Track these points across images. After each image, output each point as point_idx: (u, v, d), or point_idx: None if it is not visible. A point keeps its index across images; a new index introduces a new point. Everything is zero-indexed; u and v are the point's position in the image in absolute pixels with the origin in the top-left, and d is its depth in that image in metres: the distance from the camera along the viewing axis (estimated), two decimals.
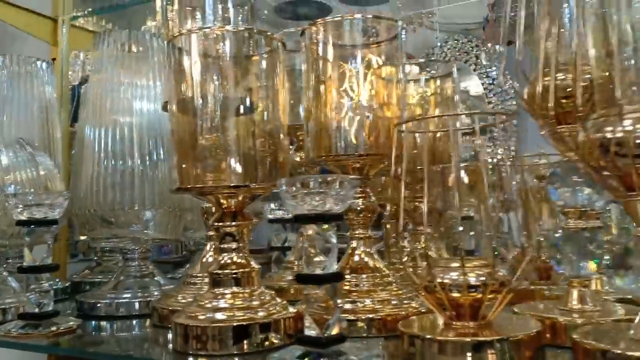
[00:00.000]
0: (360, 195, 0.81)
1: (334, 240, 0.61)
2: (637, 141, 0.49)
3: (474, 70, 2.25)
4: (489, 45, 3.49)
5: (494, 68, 3.49)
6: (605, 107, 0.53)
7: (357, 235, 0.81)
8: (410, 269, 0.63)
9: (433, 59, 2.45)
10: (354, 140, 0.77)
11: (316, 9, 1.72)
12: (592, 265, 0.67)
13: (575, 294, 0.68)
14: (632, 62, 0.54)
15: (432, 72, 1.11)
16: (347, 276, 0.79)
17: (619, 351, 0.50)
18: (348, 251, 0.81)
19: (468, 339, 0.56)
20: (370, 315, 0.73)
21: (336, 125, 0.78)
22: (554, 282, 0.97)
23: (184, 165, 0.69)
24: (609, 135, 0.51)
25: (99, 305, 0.93)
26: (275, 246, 1.32)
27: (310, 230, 0.61)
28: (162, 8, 0.88)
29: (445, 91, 1.01)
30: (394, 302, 0.76)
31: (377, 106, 0.80)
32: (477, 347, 0.55)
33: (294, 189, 0.60)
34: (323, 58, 0.80)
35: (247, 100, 0.71)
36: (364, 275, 0.79)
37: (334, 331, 0.60)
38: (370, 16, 0.78)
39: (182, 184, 0.70)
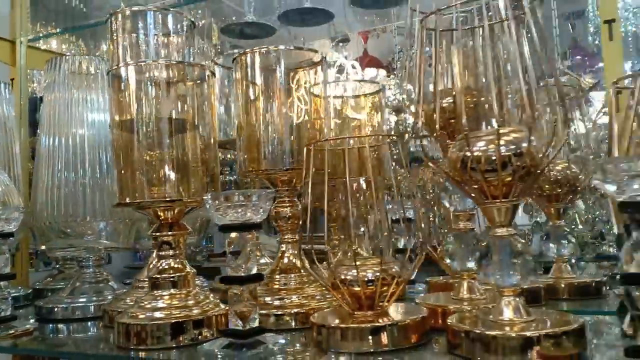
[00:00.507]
0: (288, 204, 0.91)
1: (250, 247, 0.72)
2: (492, 158, 0.61)
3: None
4: None
5: None
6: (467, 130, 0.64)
7: (286, 240, 0.92)
8: (322, 269, 0.73)
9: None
10: (281, 155, 0.88)
11: (259, 29, 1.82)
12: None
13: (465, 285, 0.80)
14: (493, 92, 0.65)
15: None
16: (277, 276, 0.89)
17: (477, 331, 0.61)
18: (278, 254, 0.91)
19: (363, 325, 0.67)
20: (296, 310, 0.84)
21: (264, 142, 0.88)
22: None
23: (123, 181, 0.79)
24: (467, 154, 0.62)
25: (56, 309, 1.01)
26: (235, 251, 1.41)
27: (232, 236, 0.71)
28: (110, 33, 0.96)
29: None
30: (317, 297, 0.87)
31: (303, 124, 0.90)
32: (370, 332, 0.66)
33: (217, 202, 0.70)
34: (252, 82, 0.90)
35: (180, 121, 0.80)
36: (292, 275, 0.89)
37: (255, 324, 0.70)
38: (293, 48, 0.88)
39: (121, 199, 0.79)
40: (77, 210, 1.06)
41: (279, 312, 0.83)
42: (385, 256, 0.71)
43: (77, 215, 1.05)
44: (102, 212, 1.06)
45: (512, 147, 0.61)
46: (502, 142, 0.61)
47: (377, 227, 0.74)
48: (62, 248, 1.06)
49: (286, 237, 0.91)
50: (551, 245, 1.04)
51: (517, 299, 0.63)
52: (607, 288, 1.01)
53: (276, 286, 0.88)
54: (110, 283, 1.08)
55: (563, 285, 1.01)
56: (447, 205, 0.81)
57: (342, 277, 0.70)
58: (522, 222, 1.49)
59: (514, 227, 0.64)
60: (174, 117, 0.79)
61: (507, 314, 0.62)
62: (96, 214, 1.06)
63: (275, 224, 0.91)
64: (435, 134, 0.75)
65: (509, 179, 0.61)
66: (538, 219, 1.22)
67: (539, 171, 0.63)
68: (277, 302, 0.85)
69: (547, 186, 1.04)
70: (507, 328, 0.61)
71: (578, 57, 2.30)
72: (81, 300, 1.03)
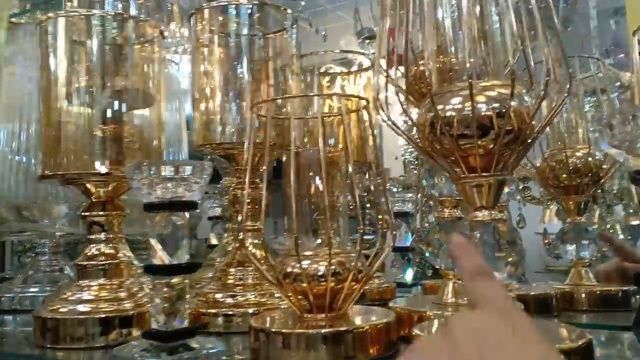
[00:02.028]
0: (251, 186, 0.78)
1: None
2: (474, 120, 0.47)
3: None
4: None
5: None
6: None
7: (246, 227, 0.79)
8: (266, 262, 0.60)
9: None
10: (237, 130, 0.75)
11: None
12: None
13: (450, 286, 0.65)
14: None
15: None
16: (232, 269, 0.76)
17: None
18: (236, 244, 0.79)
19: (309, 332, 0.53)
20: (252, 310, 0.71)
21: (222, 116, 0.76)
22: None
23: (48, 152, 0.68)
24: (440, 114, 0.48)
25: (2, 299, 0.92)
26: (213, 244, 1.30)
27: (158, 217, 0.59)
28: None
29: None
30: (278, 295, 0.74)
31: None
32: (317, 340, 0.53)
33: (140, 173, 0.58)
34: (209, 48, 0.78)
35: (118, 89, 0.69)
36: (250, 269, 0.76)
37: (183, 325, 0.58)
38: (257, 2, 0.75)
39: (44, 171, 0.68)
40: (36, 193, 0.96)
41: (230, 312, 0.71)
42: (342, 246, 0.58)
43: (36, 198, 0.96)
44: (63, 195, 0.96)
45: (494, 105, 0.47)
46: (481, 99, 0.47)
47: (337, 211, 0.60)
48: (16, 232, 0.96)
49: (246, 224, 0.79)
50: (569, 246, 0.88)
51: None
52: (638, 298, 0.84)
53: (230, 281, 0.75)
54: (66, 272, 0.98)
55: (583, 294, 0.85)
56: (430, 189, 0.67)
57: (288, 270, 0.57)
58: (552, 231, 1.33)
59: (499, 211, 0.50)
60: (108, 82, 0.68)
61: None
62: (57, 197, 0.96)
63: (234, 209, 0.78)
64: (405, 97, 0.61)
65: (491, 146, 0.47)
66: None
67: (529, 138, 0.48)
68: (229, 300, 0.72)
69: (564, 175, 0.88)
70: None
71: (621, 55, 2.14)
72: (32, 290, 0.93)
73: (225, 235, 1.10)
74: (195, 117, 0.76)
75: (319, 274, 0.55)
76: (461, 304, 0.64)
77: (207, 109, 0.76)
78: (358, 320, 0.57)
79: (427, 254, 0.66)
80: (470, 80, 0.45)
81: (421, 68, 0.61)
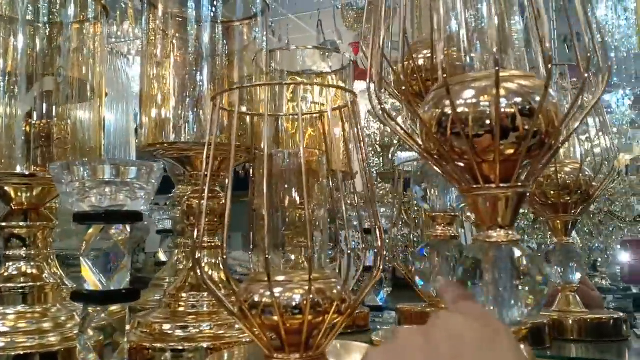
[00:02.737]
0: (210, 195, 0.67)
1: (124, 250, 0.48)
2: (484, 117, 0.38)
3: None
4: None
5: None
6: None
7: (203, 244, 0.67)
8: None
9: None
10: (194, 129, 0.64)
11: None
12: None
13: None
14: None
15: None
16: (184, 295, 0.65)
17: None
18: (188, 265, 0.67)
19: None
20: (206, 344, 0.60)
21: (176, 112, 0.65)
22: None
23: None
24: (447, 110, 0.39)
25: None
26: (162, 261, 1.17)
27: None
28: None
29: None
30: (238, 325, 0.63)
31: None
32: None
33: (69, 176, 0.47)
34: (163, 32, 0.67)
35: (48, 76, 0.57)
36: (206, 294, 0.65)
37: None
38: None
39: None
40: None
41: (180, 347, 0.59)
42: (320, 269, 0.47)
43: None
44: None
45: (517, 99, 0.38)
46: (501, 93, 0.38)
47: (315, 227, 0.50)
48: None
49: (202, 240, 0.67)
50: (556, 268, 0.81)
51: (522, 346, 0.40)
52: (629, 327, 0.78)
53: (181, 309, 0.63)
54: None
55: (571, 322, 0.78)
56: (422, 203, 0.58)
57: (256, 299, 0.46)
58: None
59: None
60: (28, 68, 0.56)
61: None
62: None
63: (187, 222, 0.67)
64: (402, 94, 0.52)
65: (512, 151, 0.38)
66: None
67: (556, 143, 0.40)
68: (179, 333, 0.61)
69: (552, 192, 0.81)
70: None
71: None
72: None
73: (176, 252, 0.98)
74: (144, 112, 0.65)
75: (294, 304, 0.45)
76: None
77: (158, 102, 0.65)
78: None
79: (417, 280, 0.56)
80: (497, 68, 0.36)
81: (420, 61, 0.53)
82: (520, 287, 0.39)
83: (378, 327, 0.87)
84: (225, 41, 0.67)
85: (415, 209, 0.92)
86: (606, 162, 0.81)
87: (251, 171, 0.67)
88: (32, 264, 0.56)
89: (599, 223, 1.58)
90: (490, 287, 0.39)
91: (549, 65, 0.36)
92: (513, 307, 0.39)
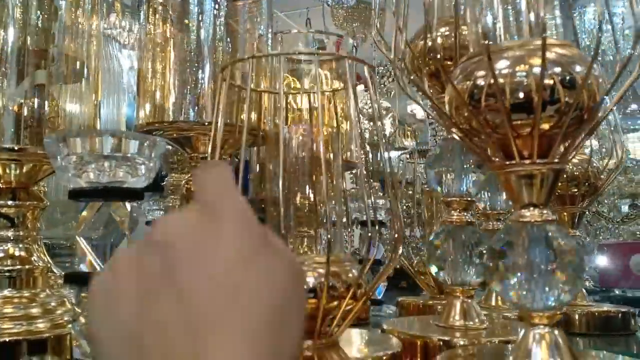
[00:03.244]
0: None
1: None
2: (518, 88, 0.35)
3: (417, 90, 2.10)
4: None
5: None
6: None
7: None
8: None
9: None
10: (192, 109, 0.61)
11: None
12: (480, 270, 0.53)
13: (457, 306, 0.53)
14: None
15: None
16: None
17: None
18: None
19: None
20: None
21: (173, 92, 0.61)
22: None
23: None
24: (479, 82, 0.37)
25: None
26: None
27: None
28: None
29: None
30: None
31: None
32: None
33: (65, 149, 0.43)
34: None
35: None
36: None
37: None
38: None
39: None
40: None
41: None
42: (336, 253, 0.45)
43: None
44: None
45: (558, 70, 0.35)
46: (539, 62, 0.35)
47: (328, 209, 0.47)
48: None
49: None
50: None
51: (555, 332, 0.37)
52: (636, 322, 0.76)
53: None
54: None
55: (577, 316, 0.76)
56: (437, 187, 0.55)
57: None
58: None
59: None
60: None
61: (539, 356, 0.36)
62: None
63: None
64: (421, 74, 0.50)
65: (551, 124, 0.36)
66: None
67: (596, 118, 0.37)
68: None
69: (560, 183, 0.79)
70: None
71: None
72: None
73: None
74: (142, 90, 0.61)
75: (309, 287, 0.42)
76: (471, 328, 0.52)
77: (157, 80, 0.61)
78: (356, 351, 0.44)
79: (432, 267, 0.54)
80: (543, 35, 0.33)
81: (438, 40, 0.50)
82: (555, 270, 0.36)
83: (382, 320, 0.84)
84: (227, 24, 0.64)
85: (417, 200, 0.90)
86: (615, 154, 0.79)
87: (254, 156, 0.64)
88: (20, 246, 0.52)
89: (587, 224, 1.58)
90: (523, 270, 0.37)
91: (599, 34, 0.34)
92: (548, 291, 0.36)
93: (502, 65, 0.36)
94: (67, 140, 0.43)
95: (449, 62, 0.53)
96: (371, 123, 1.73)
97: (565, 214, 0.80)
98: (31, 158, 0.52)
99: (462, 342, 0.48)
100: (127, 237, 0.47)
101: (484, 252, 0.50)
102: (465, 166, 0.53)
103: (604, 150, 0.83)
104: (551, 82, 0.35)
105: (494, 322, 0.54)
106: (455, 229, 0.53)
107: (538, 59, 0.36)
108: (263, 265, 0.23)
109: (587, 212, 0.86)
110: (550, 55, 0.36)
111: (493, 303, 0.72)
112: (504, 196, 0.72)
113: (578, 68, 0.36)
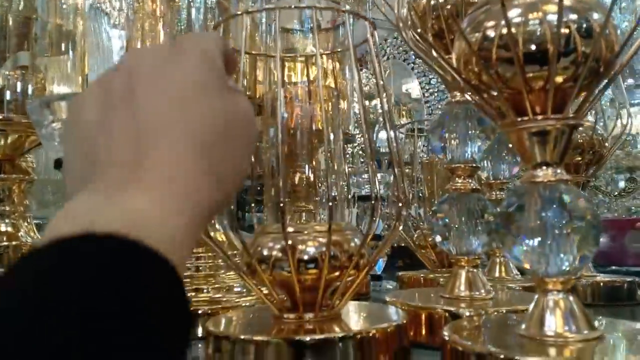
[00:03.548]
0: None
1: None
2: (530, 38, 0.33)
3: (412, 69, 2.08)
4: None
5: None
6: None
7: None
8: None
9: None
10: None
11: None
12: (483, 238, 0.51)
13: (462, 276, 0.52)
14: None
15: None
16: None
17: (502, 356, 0.33)
18: None
19: (295, 338, 0.38)
20: (202, 309, 0.54)
21: None
22: None
23: None
24: (489, 32, 0.34)
25: None
26: None
27: None
28: None
29: None
30: (237, 289, 0.58)
31: None
32: (304, 351, 0.37)
33: (52, 117, 0.40)
34: None
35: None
36: (203, 255, 0.60)
37: None
38: None
39: None
40: None
41: None
42: (338, 220, 0.42)
43: None
44: None
45: (574, 17, 0.33)
46: (554, 9, 0.33)
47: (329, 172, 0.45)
48: None
49: None
50: None
51: (570, 298, 0.35)
52: None
53: None
54: None
55: (581, 287, 0.74)
56: (440, 154, 0.53)
57: (265, 253, 0.41)
58: None
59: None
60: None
61: (553, 324, 0.35)
62: None
63: None
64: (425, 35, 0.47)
65: (566, 76, 0.34)
66: None
67: (612, 72, 0.35)
68: None
69: None
70: (555, 352, 0.33)
71: None
72: None
73: None
74: None
75: (309, 257, 0.40)
76: (477, 298, 0.50)
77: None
78: (359, 323, 0.42)
79: (436, 236, 0.52)
80: None
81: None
82: (570, 232, 0.34)
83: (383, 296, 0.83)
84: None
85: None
86: (619, 122, 0.77)
87: None
88: (7, 221, 0.50)
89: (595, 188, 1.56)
90: (535, 233, 0.35)
91: None
92: (563, 255, 0.34)
93: (513, 13, 0.34)
94: (51, 105, 0.40)
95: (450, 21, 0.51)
96: (366, 102, 1.70)
97: (569, 182, 0.78)
98: (16, 128, 0.49)
99: (468, 313, 0.47)
100: None
101: (492, 217, 0.48)
102: (470, 132, 0.51)
103: (607, 118, 0.80)
104: (567, 30, 0.33)
105: (500, 293, 0.53)
106: (459, 196, 0.51)
107: (552, 5, 0.33)
108: (215, 95, 0.25)
109: (591, 182, 0.84)
110: (565, 1, 0.34)
111: (497, 274, 0.70)
112: (508, 165, 0.70)
113: (595, 15, 0.33)
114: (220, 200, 0.25)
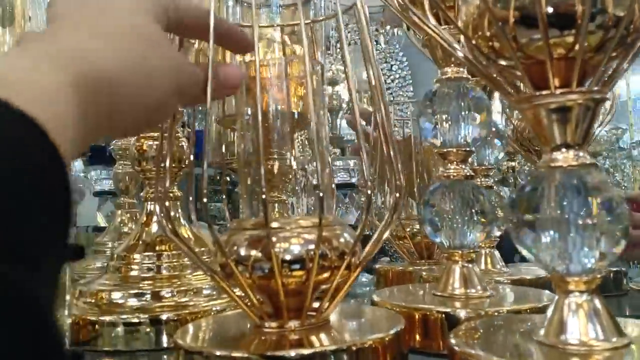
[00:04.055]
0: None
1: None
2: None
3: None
4: (388, 28, 3.35)
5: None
6: None
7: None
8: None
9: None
10: None
11: None
12: (479, 229, 0.46)
13: (457, 272, 0.47)
14: None
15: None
16: (137, 256, 0.53)
17: None
18: (142, 219, 0.55)
19: (277, 354, 0.32)
20: (167, 315, 0.48)
21: None
22: (437, 261, 0.78)
23: None
24: None
25: None
26: (101, 227, 1.03)
27: None
28: None
29: None
30: (209, 292, 0.52)
31: None
32: None
33: None
34: None
35: None
36: (167, 254, 0.54)
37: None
38: None
39: None
40: None
41: (134, 320, 0.47)
42: (326, 215, 0.37)
43: None
44: None
45: None
46: None
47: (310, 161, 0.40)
48: None
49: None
50: None
51: (595, 300, 0.31)
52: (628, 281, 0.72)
53: (134, 273, 0.52)
54: None
55: None
56: (431, 138, 0.48)
57: (242, 252, 0.35)
58: None
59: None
60: None
61: (577, 330, 0.30)
62: None
63: (139, 169, 0.54)
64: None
65: (592, 42, 0.29)
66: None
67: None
68: (132, 302, 0.49)
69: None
70: None
71: None
72: None
73: (119, 212, 0.85)
74: None
75: (295, 257, 0.34)
76: (472, 297, 0.46)
77: None
78: (351, 332, 0.37)
79: (427, 228, 0.47)
80: None
81: None
82: (596, 225, 0.30)
83: (357, 290, 0.78)
84: None
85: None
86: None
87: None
88: None
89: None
90: (555, 225, 0.30)
91: None
92: (587, 251, 0.30)
93: None
94: None
95: None
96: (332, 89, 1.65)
97: None
98: None
99: (464, 314, 0.42)
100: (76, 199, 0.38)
101: (484, 209, 0.44)
102: (462, 112, 0.46)
103: None
104: None
105: (496, 290, 0.48)
106: (453, 184, 0.47)
107: None
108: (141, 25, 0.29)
109: None
110: None
111: (483, 266, 0.66)
112: (492, 149, 0.66)
113: None
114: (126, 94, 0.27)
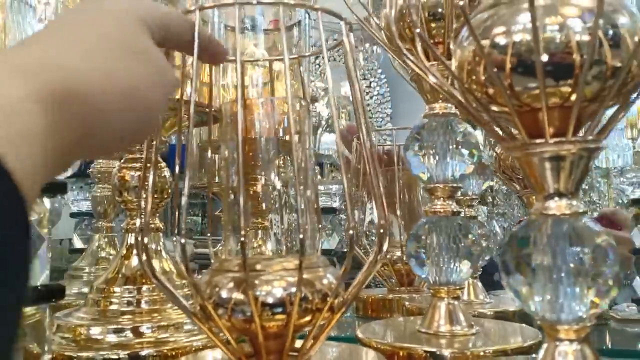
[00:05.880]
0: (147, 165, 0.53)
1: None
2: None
3: None
4: (367, 45, 3.37)
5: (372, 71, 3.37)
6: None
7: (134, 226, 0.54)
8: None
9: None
10: None
11: None
12: (465, 266, 0.46)
13: (442, 309, 0.46)
14: None
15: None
16: (117, 289, 0.51)
17: None
18: (122, 251, 0.53)
19: None
20: (146, 352, 0.46)
21: None
22: (418, 289, 0.78)
23: None
24: (501, 41, 0.29)
25: None
26: (77, 249, 1.00)
27: None
28: None
29: None
30: (188, 326, 0.50)
31: None
32: None
33: None
34: None
35: None
36: (147, 287, 0.52)
37: None
38: None
39: None
40: None
41: (112, 356, 0.45)
42: (309, 255, 0.36)
43: None
44: None
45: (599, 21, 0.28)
46: (574, 12, 0.28)
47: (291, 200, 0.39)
48: None
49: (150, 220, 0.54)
50: None
51: (585, 349, 0.31)
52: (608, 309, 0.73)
53: (114, 307, 0.50)
54: None
55: None
56: (418, 172, 0.47)
57: (222, 294, 0.34)
58: None
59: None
60: None
61: None
62: None
63: (120, 199, 0.53)
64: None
65: (591, 93, 0.29)
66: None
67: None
68: (111, 338, 0.47)
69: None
70: None
71: None
72: None
73: (97, 237, 0.83)
74: None
75: (276, 301, 0.33)
76: (458, 334, 0.45)
77: None
78: None
79: (413, 264, 0.46)
80: None
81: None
82: (588, 275, 0.29)
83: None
84: None
85: None
86: None
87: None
88: None
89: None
90: (546, 273, 0.30)
91: None
92: (579, 300, 0.30)
93: (525, 18, 0.29)
94: None
95: (434, 25, 0.45)
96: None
97: (534, 197, 0.75)
98: None
99: (450, 353, 0.41)
100: (45, 240, 0.36)
101: (471, 248, 0.43)
102: (450, 147, 0.46)
103: None
104: (588, 37, 0.28)
105: (482, 326, 0.48)
106: (439, 220, 0.46)
107: (572, 7, 0.28)
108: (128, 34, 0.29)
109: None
110: (583, 1, 0.29)
111: (465, 297, 0.66)
112: (477, 179, 0.66)
113: (622, 19, 0.28)
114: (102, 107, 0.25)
